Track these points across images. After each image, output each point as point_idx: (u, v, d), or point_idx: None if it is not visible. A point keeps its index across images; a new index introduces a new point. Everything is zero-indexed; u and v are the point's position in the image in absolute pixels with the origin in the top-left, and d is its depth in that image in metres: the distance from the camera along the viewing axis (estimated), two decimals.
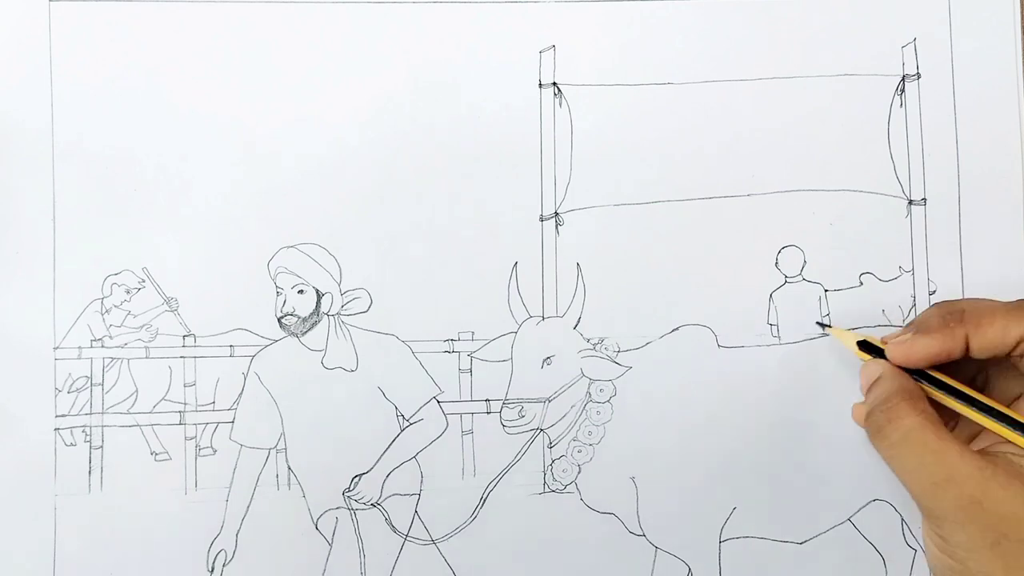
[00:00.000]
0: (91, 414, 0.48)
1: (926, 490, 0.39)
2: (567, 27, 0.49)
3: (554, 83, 0.49)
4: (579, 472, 0.48)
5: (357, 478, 0.48)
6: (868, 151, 0.49)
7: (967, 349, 0.41)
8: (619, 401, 0.49)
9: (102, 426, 0.48)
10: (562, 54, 0.49)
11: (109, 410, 0.48)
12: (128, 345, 0.48)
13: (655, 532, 0.48)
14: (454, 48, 0.49)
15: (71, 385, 0.48)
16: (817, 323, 0.48)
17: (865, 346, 0.44)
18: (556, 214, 0.49)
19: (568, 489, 0.48)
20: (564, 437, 0.48)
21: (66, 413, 0.48)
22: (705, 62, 0.49)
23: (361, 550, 0.48)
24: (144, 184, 0.48)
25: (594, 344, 0.49)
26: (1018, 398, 0.42)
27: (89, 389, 0.48)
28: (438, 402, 0.48)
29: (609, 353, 0.49)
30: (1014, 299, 0.47)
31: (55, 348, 0.48)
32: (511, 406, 0.48)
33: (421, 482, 0.48)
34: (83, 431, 0.48)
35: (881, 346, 0.44)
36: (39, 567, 0.47)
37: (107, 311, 0.48)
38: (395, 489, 0.48)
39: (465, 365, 0.48)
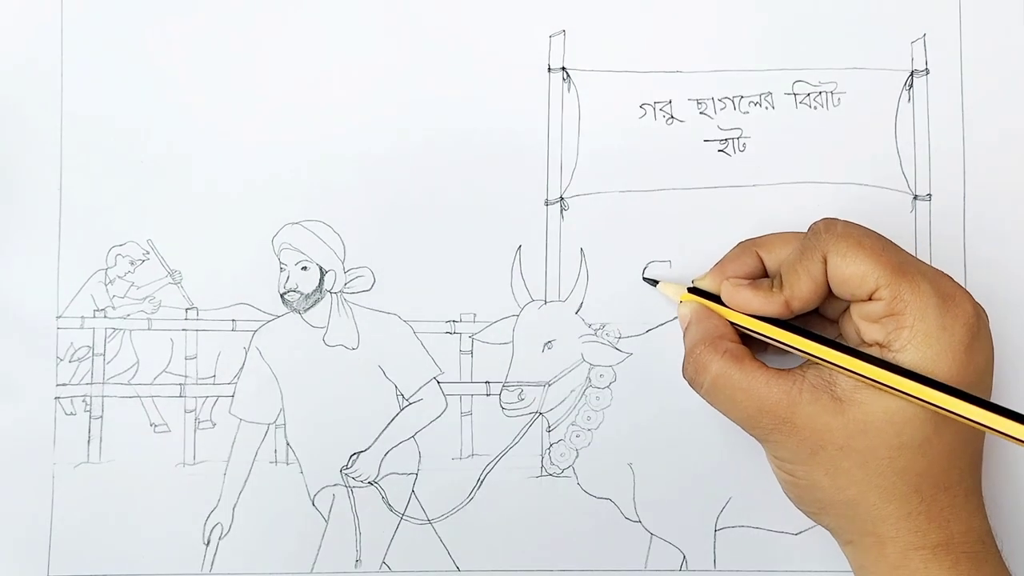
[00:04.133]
0: (92, 384, 0.48)
1: (744, 422, 0.42)
2: (578, 12, 0.49)
3: (563, 68, 0.49)
4: (577, 456, 0.48)
5: (355, 456, 0.48)
6: (875, 145, 0.49)
7: (764, 269, 0.45)
8: (619, 387, 0.49)
9: (102, 396, 0.48)
10: (572, 39, 0.49)
11: (110, 380, 0.48)
12: (131, 316, 0.48)
13: (651, 519, 0.48)
14: (463, 30, 0.49)
15: (72, 354, 0.48)
16: (644, 279, 0.48)
17: (696, 292, 0.46)
18: (561, 199, 0.49)
19: (565, 473, 0.48)
20: (563, 421, 0.48)
21: (67, 382, 0.48)
22: (714, 51, 0.49)
23: (357, 527, 0.48)
24: (151, 157, 0.48)
25: (595, 330, 0.49)
26: (846, 309, 0.43)
27: (91, 359, 0.48)
28: (438, 383, 0.48)
29: (610, 339, 0.49)
30: (1019, 298, 0.48)
31: (58, 317, 0.48)
32: (511, 389, 0.48)
33: (419, 462, 0.48)
34: (83, 400, 0.48)
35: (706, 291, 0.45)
36: (36, 534, 0.47)
37: (111, 282, 0.48)
38: (393, 468, 0.48)
39: (466, 346, 0.48)
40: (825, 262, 0.41)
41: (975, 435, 0.41)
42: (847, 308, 0.42)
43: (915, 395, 0.38)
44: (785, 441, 0.41)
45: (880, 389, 0.39)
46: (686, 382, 0.44)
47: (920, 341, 0.39)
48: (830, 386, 0.40)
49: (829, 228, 0.41)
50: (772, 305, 0.42)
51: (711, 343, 0.42)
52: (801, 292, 0.41)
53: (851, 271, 0.40)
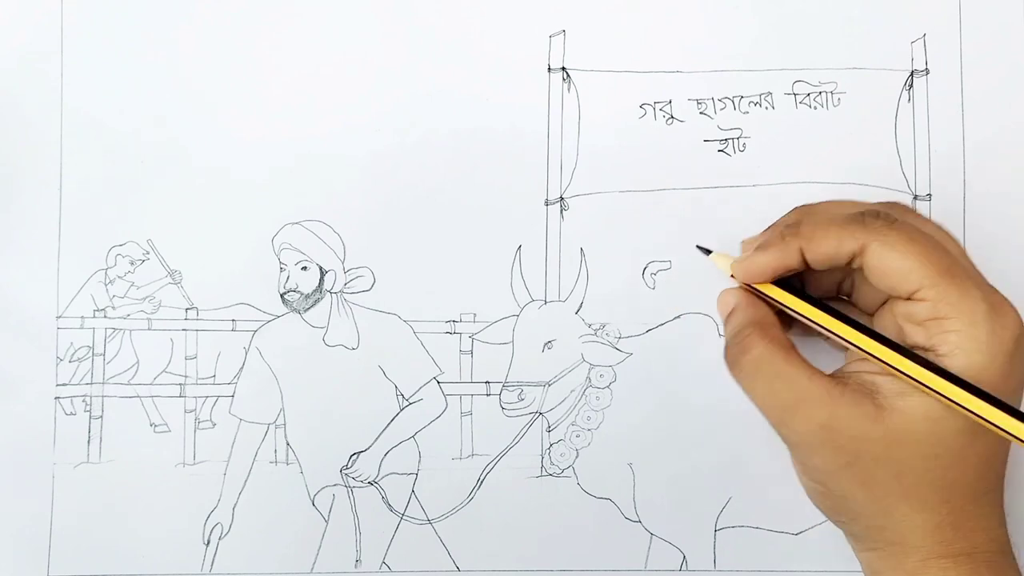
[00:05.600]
0: (92, 384, 0.48)
1: (778, 416, 0.40)
2: (578, 12, 0.49)
3: (563, 68, 0.49)
4: (577, 456, 0.48)
5: (355, 456, 0.48)
6: (875, 145, 0.49)
7: (805, 262, 0.41)
8: (618, 387, 0.49)
9: (102, 396, 0.48)
10: (572, 39, 0.49)
11: (110, 380, 0.48)
12: (130, 316, 0.48)
13: (651, 519, 0.48)
14: (463, 30, 0.49)
15: (72, 354, 0.48)
16: (698, 247, 0.47)
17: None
18: (561, 199, 0.49)
19: (565, 473, 0.48)
20: (563, 421, 0.48)
21: (67, 382, 0.48)
22: (715, 51, 0.49)
23: (357, 527, 0.48)
24: (151, 157, 0.48)
25: (595, 330, 0.49)
26: (883, 304, 0.42)
27: (91, 359, 0.48)
28: (438, 383, 0.48)
29: (610, 339, 0.49)
30: (1019, 298, 0.48)
31: (58, 317, 0.48)
32: (511, 389, 0.48)
33: (419, 462, 0.48)
34: (83, 400, 0.48)
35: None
36: (36, 534, 0.47)
37: (111, 282, 0.48)
38: (392, 468, 0.48)
39: (466, 347, 0.49)
40: (862, 246, 0.39)
41: (1005, 446, 0.40)
42: (884, 303, 0.41)
43: (968, 407, 0.36)
44: (819, 449, 0.39)
45: (929, 395, 0.37)
46: (727, 365, 0.42)
47: (970, 347, 0.37)
48: (873, 393, 0.39)
49: (885, 215, 0.39)
50: (786, 254, 0.40)
51: (761, 326, 0.41)
52: (821, 247, 0.39)
53: (896, 265, 0.38)
